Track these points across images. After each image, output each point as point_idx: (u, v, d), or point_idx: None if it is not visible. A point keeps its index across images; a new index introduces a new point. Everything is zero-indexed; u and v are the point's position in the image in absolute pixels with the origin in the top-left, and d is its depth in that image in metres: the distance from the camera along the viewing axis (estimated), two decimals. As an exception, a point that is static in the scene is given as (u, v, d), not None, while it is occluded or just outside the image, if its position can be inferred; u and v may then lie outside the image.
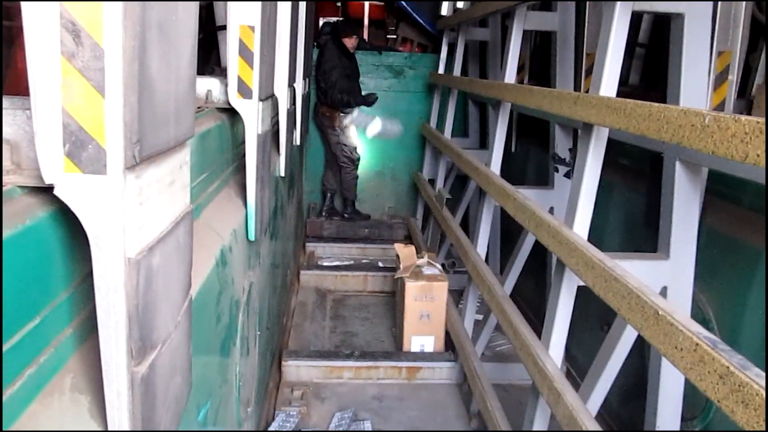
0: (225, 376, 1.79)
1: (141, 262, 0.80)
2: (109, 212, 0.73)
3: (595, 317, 2.69)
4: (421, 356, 3.30)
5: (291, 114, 2.97)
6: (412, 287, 3.27)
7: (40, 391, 0.81)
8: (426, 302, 3.29)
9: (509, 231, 3.55)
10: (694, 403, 2.16)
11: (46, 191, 0.77)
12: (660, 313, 1.32)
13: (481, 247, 3.19)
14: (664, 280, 1.93)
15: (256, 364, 2.41)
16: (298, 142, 3.86)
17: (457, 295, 3.55)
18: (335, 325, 3.90)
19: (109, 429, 0.83)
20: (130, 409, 0.82)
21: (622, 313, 1.52)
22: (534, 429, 2.13)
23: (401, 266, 3.44)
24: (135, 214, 0.76)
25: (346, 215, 5.37)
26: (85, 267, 0.77)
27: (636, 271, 1.58)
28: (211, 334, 1.57)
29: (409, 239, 4.88)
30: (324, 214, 5.41)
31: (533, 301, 3.54)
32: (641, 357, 2.27)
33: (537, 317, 2.23)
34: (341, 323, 3.94)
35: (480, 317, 3.47)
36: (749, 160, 1.08)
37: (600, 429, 1.64)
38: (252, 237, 2.05)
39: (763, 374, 1.07)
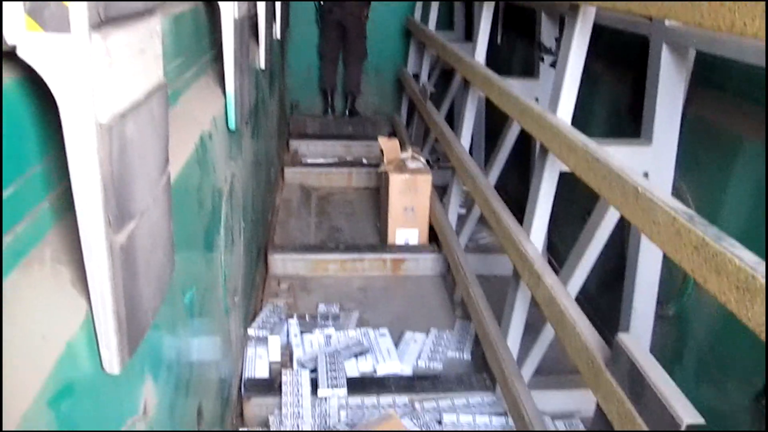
0: (210, 264, 1.81)
1: (113, 128, 0.78)
2: (76, 73, 0.71)
3: (577, 210, 2.71)
4: (406, 248, 3.35)
5: (270, 5, 2.87)
6: (396, 180, 3.28)
7: (20, 261, 0.81)
8: (410, 195, 3.31)
9: (494, 127, 3.52)
10: (669, 288, 2.22)
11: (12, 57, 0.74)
12: (640, 190, 1.33)
13: (465, 140, 3.18)
14: (645, 165, 1.94)
15: (242, 256, 2.44)
16: (279, 37, 3.75)
17: (441, 192, 3.56)
18: (320, 221, 3.92)
19: (92, 299, 0.84)
20: (112, 278, 0.82)
21: (602, 194, 1.53)
22: (514, 312, 2.19)
23: (385, 160, 3.43)
24: (104, 77, 0.74)
25: (351, 112, 5.36)
26: (61, 140, 0.75)
27: (618, 157, 1.58)
28: (193, 219, 1.57)
29: (393, 135, 4.85)
30: (330, 111, 5.38)
31: (516, 196, 3.56)
32: (621, 249, 2.31)
33: (520, 211, 2.26)
34: (326, 219, 3.96)
35: (463, 211, 3.50)
36: (736, 29, 1.06)
37: (578, 309, 1.69)
38: (233, 126, 2.02)
39: (736, 243, 1.09)
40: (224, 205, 2.01)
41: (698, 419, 1.14)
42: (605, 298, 2.68)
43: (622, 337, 1.37)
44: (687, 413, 1.14)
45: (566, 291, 1.78)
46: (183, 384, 1.47)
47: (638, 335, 2.03)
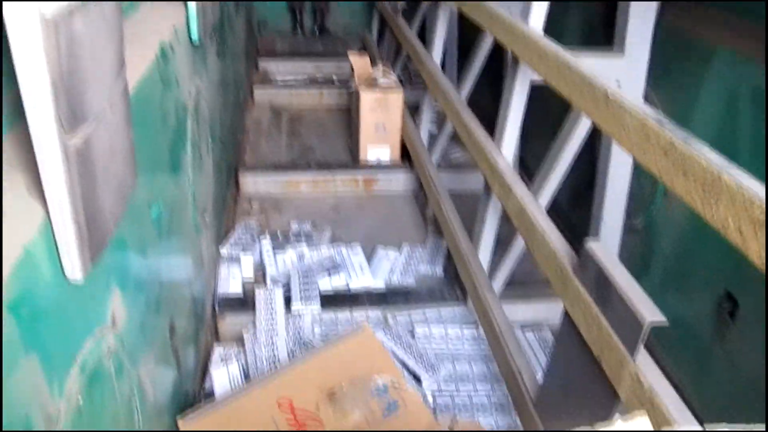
0: (177, 180, 1.78)
1: (60, 24, 0.74)
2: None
3: (548, 127, 2.70)
4: (378, 167, 3.33)
5: None
6: (367, 98, 3.23)
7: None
8: (381, 112, 3.26)
9: (467, 44, 3.45)
10: (638, 201, 2.25)
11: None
12: (609, 96, 1.32)
13: (437, 55, 3.12)
14: (617, 75, 1.92)
15: (211, 175, 2.40)
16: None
17: (413, 111, 3.52)
18: (291, 141, 3.87)
19: (48, 204, 0.81)
20: (68, 182, 0.80)
21: (574, 102, 1.52)
22: (485, 225, 2.20)
23: (355, 76, 3.37)
24: (45, -34, 0.69)
25: (321, 29, 5.22)
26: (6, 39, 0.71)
27: (590, 66, 1.56)
28: (157, 133, 1.53)
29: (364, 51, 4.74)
30: (299, 29, 5.23)
31: (489, 114, 3.53)
32: (591, 168, 2.32)
33: (492, 128, 2.24)
34: (297, 139, 3.91)
35: (435, 130, 3.47)
36: None
37: (548, 219, 1.70)
38: (195, 38, 1.95)
39: (704, 145, 1.09)
40: (190, 121, 1.96)
41: (660, 318, 1.16)
42: (575, 213, 2.71)
43: (591, 244, 1.38)
44: (650, 313, 1.17)
45: (537, 202, 1.79)
46: (153, 299, 1.47)
47: (607, 246, 2.06)
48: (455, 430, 1.56)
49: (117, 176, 0.98)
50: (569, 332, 1.44)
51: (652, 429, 0.52)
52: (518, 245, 2.11)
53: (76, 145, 0.80)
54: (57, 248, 0.85)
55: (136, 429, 1.23)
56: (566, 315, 1.46)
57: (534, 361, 2.11)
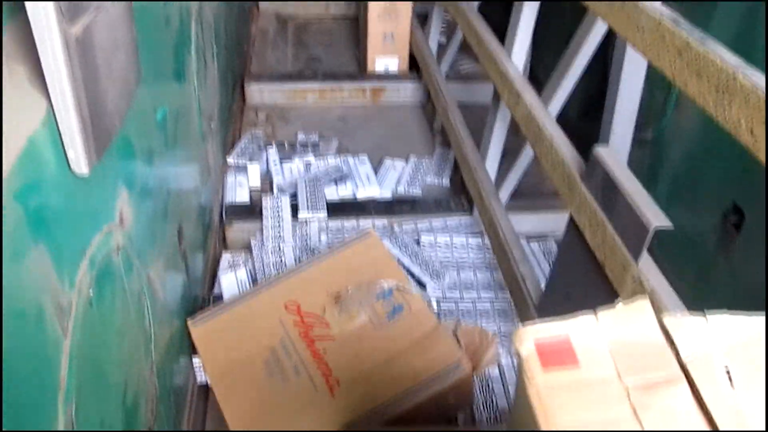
0: (182, 84, 1.76)
1: None
2: None
3: (559, 40, 2.64)
4: (386, 77, 3.27)
5: None
6: (375, 6, 3.14)
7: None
8: (390, 21, 3.18)
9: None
10: (649, 112, 2.21)
11: None
12: (625, -5, 1.28)
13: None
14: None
15: (217, 82, 2.37)
16: None
17: (422, 20, 3.42)
18: (298, 51, 3.80)
19: (51, 95, 0.80)
20: (69, 72, 0.79)
21: (588, 4, 1.47)
22: (493, 135, 2.18)
23: (363, -17, 3.27)
24: None
25: None
26: None
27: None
28: (160, 34, 1.50)
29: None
30: None
31: (500, 26, 3.45)
32: (602, 78, 2.27)
33: (503, 40, 2.19)
34: (304, 49, 3.84)
35: (444, 40, 3.39)
36: None
37: (557, 126, 1.68)
38: (197, -64, 1.88)
39: (719, 46, 1.06)
40: (194, 25, 1.92)
41: (666, 223, 1.16)
42: (584, 124, 2.68)
43: (599, 150, 1.37)
44: (656, 217, 1.17)
45: (546, 109, 1.76)
46: (161, 203, 1.48)
47: (615, 152, 2.04)
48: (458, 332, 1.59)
49: (120, 69, 0.97)
50: (574, 238, 1.45)
51: (652, 312, 0.53)
52: (525, 156, 2.10)
53: (76, 34, 0.79)
54: (62, 141, 0.84)
55: (146, 327, 1.26)
56: (571, 221, 1.47)
57: (538, 270, 2.13)
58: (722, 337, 0.55)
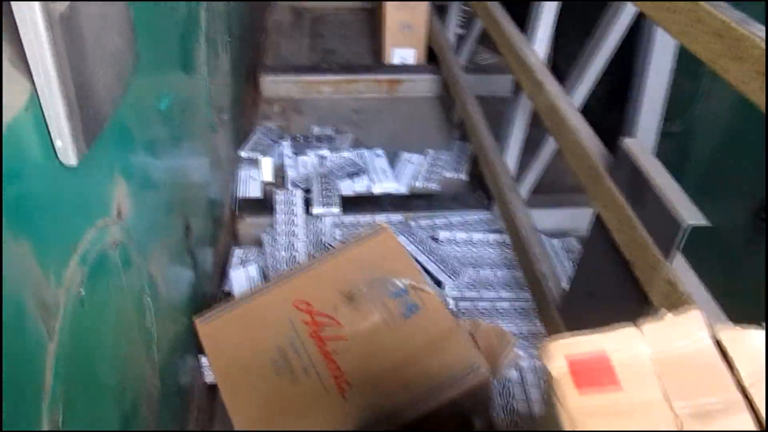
0: (190, 73, 1.69)
1: None
2: None
3: (583, 29, 2.55)
4: (403, 69, 3.20)
5: None
6: (392, -5, 3.07)
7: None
8: (407, 12, 3.11)
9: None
10: (676, 104, 2.12)
11: None
12: (657, -24, 1.19)
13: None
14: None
15: (229, 73, 2.31)
16: None
17: (439, 11, 3.34)
18: (313, 43, 3.73)
19: (35, 78, 0.74)
20: (54, 53, 0.72)
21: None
22: (513, 127, 2.10)
23: (380, -27, 3.19)
24: None
25: None
26: None
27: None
28: (163, 18, 1.44)
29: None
30: None
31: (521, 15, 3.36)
32: (627, 68, 2.18)
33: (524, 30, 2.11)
34: (319, 41, 3.77)
35: (463, 32, 3.30)
36: None
37: (580, 117, 1.60)
38: None
39: (761, 26, 0.98)
40: (203, 13, 1.85)
41: (701, 220, 1.08)
42: (608, 116, 2.58)
43: (627, 141, 1.29)
44: (689, 214, 1.09)
45: (569, 99, 1.68)
46: (165, 195, 1.42)
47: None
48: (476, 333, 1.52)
49: (112, 52, 0.90)
50: (599, 235, 1.37)
51: (704, 324, 0.45)
52: (547, 149, 2.02)
53: (60, 11, 0.72)
54: (48, 128, 0.78)
55: (148, 326, 1.20)
56: (597, 218, 1.39)
57: (559, 268, 2.05)
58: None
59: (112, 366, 1.01)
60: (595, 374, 0.48)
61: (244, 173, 2.46)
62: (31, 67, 0.73)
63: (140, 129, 1.21)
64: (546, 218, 2.21)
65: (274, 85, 3.11)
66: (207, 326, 1.59)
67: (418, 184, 2.47)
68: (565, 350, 0.51)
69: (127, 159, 1.12)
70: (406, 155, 2.62)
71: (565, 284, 1.66)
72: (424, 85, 3.15)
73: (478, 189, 2.41)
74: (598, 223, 1.38)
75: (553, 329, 1.59)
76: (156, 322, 1.24)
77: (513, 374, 1.72)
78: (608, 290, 1.35)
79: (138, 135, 1.18)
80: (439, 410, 1.41)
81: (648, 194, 1.18)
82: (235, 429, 1.45)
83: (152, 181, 1.31)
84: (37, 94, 0.75)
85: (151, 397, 1.23)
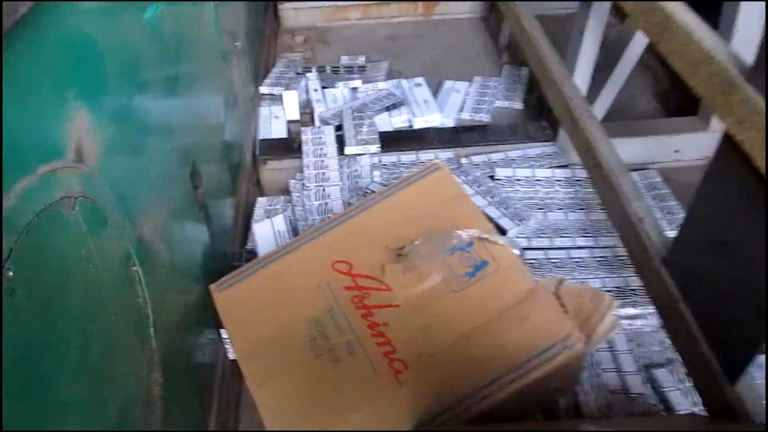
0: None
1: None
2: None
3: None
4: (440, -14, 2.81)
5: None
6: None
7: None
8: None
9: None
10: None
11: None
12: None
13: None
14: None
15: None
16: None
17: None
18: (337, -34, 3.34)
19: None
20: None
21: None
22: (584, 40, 1.74)
23: None
24: None
25: None
26: None
27: None
28: None
29: None
30: None
31: None
32: None
33: None
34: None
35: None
36: None
37: (697, 18, 1.23)
38: None
39: None
40: None
41: None
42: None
43: (777, 32, 0.93)
44: None
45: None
46: (159, 133, 1.11)
47: None
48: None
49: None
50: (731, 162, 1.03)
51: None
52: (627, 61, 1.66)
53: None
54: None
55: (138, 306, 0.90)
56: (727, 139, 1.04)
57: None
58: None
59: (72, 372, 0.71)
60: None
61: (265, 111, 2.14)
62: None
63: (112, 41, 0.88)
64: (621, 149, 1.86)
65: (294, 13, 2.75)
66: (224, 294, 1.29)
67: (466, 116, 2.12)
68: None
69: (90, 81, 0.80)
70: (449, 84, 2.27)
71: (665, 230, 1.33)
72: (464, 4, 2.76)
73: (538, 118, 2.06)
74: (729, 147, 1.03)
75: (657, 285, 1.26)
76: (152, 298, 0.94)
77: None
78: (748, 236, 1.01)
79: (108, 49, 0.86)
80: (521, 393, 1.11)
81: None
82: (264, 422, 1.16)
83: (139, 116, 0.99)
84: None
85: (151, 397, 0.94)
